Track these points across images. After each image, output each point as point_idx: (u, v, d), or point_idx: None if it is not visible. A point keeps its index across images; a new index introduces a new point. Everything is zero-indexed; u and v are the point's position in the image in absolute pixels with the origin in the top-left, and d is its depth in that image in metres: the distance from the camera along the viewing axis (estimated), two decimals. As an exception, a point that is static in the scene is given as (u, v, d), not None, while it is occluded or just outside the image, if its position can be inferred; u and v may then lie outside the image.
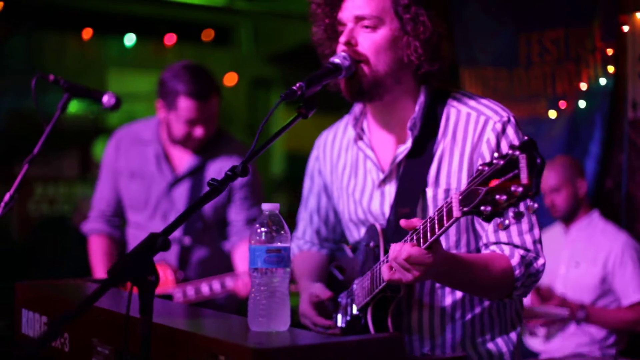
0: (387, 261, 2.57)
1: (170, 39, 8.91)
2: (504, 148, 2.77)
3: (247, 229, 4.63)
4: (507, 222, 2.13)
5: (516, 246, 2.77)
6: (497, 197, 2.10)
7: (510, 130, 2.80)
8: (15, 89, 8.22)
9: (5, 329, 5.67)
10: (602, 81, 5.71)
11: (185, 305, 2.94)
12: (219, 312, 2.69)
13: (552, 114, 5.98)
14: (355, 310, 2.93)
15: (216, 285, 4.36)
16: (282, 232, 2.29)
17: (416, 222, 2.51)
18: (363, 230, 3.06)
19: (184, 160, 4.66)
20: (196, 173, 4.62)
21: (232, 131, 5.21)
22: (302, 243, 3.44)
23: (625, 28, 5.57)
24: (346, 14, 2.87)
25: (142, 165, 4.67)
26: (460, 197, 2.27)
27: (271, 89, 10.25)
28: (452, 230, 2.86)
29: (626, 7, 5.57)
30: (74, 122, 8.43)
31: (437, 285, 2.90)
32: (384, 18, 2.83)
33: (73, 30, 8.77)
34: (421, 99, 2.91)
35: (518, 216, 2.10)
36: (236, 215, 4.64)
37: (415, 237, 2.49)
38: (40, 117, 3.45)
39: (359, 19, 2.83)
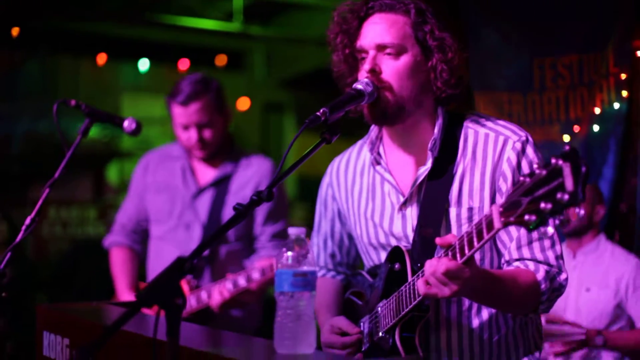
0: (422, 276, 2.59)
1: (184, 64, 8.98)
2: (525, 167, 2.81)
3: (272, 243, 4.70)
4: (551, 230, 2.13)
5: (539, 262, 2.80)
6: (542, 205, 2.10)
7: (529, 150, 2.84)
8: (30, 112, 8.30)
9: (18, 349, 5.69)
10: (616, 105, 5.72)
11: (209, 329, 2.95)
12: (243, 335, 2.70)
13: (566, 138, 5.99)
14: (381, 333, 2.93)
15: (229, 285, 4.39)
16: (309, 256, 2.31)
17: (451, 238, 2.55)
18: (383, 254, 3.05)
19: (208, 173, 4.78)
20: (220, 184, 4.72)
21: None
22: (317, 270, 3.43)
23: (639, 53, 5.59)
24: (367, 41, 2.89)
25: (169, 179, 4.82)
26: (501, 209, 2.29)
27: (283, 114, 10.30)
28: None
29: (640, 33, 5.61)
30: (88, 146, 8.50)
31: (464, 305, 2.92)
32: (406, 45, 2.86)
33: (88, 55, 8.86)
34: (439, 120, 2.93)
35: (564, 224, 2.09)
36: (260, 230, 4.71)
37: (450, 253, 2.53)
38: (62, 142, 3.48)
39: (380, 47, 2.86)
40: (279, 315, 2.29)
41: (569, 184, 2.05)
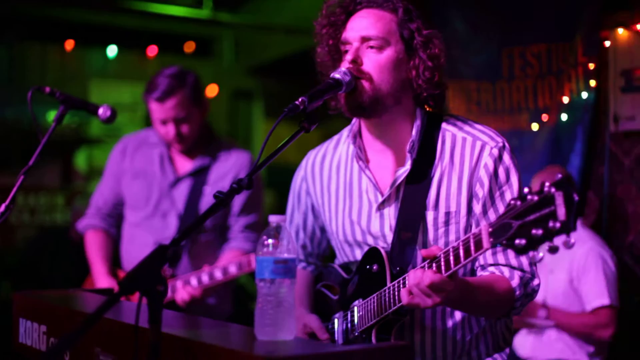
0: (403, 286, 2.66)
1: (152, 50, 8.96)
2: (501, 174, 2.86)
3: (243, 234, 4.72)
4: (540, 254, 2.18)
5: (514, 268, 2.85)
6: (533, 231, 2.16)
7: (506, 156, 2.89)
8: (-3, 99, 8.24)
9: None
10: (584, 95, 5.80)
11: (187, 315, 2.97)
12: (222, 322, 2.72)
13: (535, 126, 6.06)
14: (357, 332, 2.96)
15: (205, 277, 4.45)
16: (289, 243, 2.33)
17: (436, 250, 2.58)
18: (358, 251, 3.10)
19: (186, 163, 4.78)
20: (198, 174, 4.73)
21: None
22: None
23: (607, 43, 5.66)
24: (352, 34, 2.92)
25: (146, 165, 4.81)
26: (491, 230, 2.34)
27: (251, 101, 10.30)
28: None
29: (608, 23, 5.67)
30: (56, 133, 8.40)
31: (438, 308, 2.96)
32: (390, 40, 2.89)
33: (55, 42, 8.80)
34: (418, 121, 2.95)
35: (553, 250, 2.14)
36: (235, 220, 4.73)
37: (435, 265, 2.57)
38: (36, 129, 3.48)
39: (365, 39, 2.89)
40: (259, 301, 2.31)
41: (561, 213, 2.10)
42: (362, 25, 2.91)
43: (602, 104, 5.76)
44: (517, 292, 2.80)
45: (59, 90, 3.64)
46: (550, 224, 2.12)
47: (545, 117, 6.02)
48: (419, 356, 2.97)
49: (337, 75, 2.82)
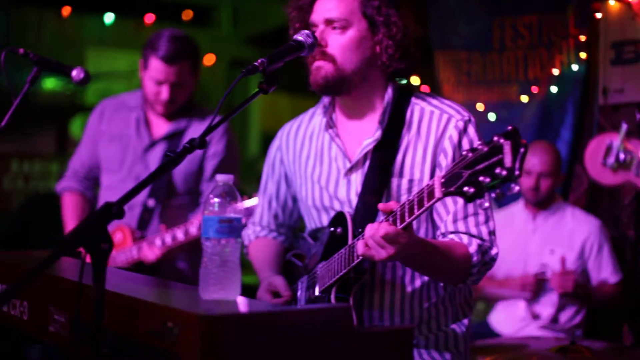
0: (362, 238, 2.70)
1: (149, 18, 8.91)
2: (465, 145, 2.95)
3: None
4: (486, 204, 2.31)
5: (473, 236, 2.93)
6: (481, 178, 2.23)
7: (471, 129, 2.99)
8: (-8, 66, 8.21)
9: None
10: (574, 67, 5.77)
11: (143, 275, 2.97)
12: (174, 282, 2.71)
13: (524, 98, 6.04)
14: (317, 292, 3.02)
15: (168, 238, 4.47)
16: (235, 203, 2.33)
17: (393, 205, 2.65)
18: (325, 217, 3.19)
19: (162, 126, 4.77)
20: (173, 138, 4.73)
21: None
22: (260, 229, 3.55)
23: (598, 15, 5.63)
24: (316, 16, 3.04)
25: (123, 128, 4.81)
26: (443, 180, 2.41)
27: (250, 70, 10.25)
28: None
29: (599, -6, 5.63)
30: (51, 99, 8.45)
31: (398, 272, 3.05)
32: (352, 19, 2.99)
33: (52, 8, 8.76)
34: (388, 94, 3.07)
35: (499, 197, 2.21)
36: (206, 185, 4.73)
37: (391, 219, 2.63)
38: (10, 92, 3.47)
39: (328, 21, 3.00)
40: (204, 261, 2.31)
41: (507, 160, 2.17)
42: (325, 8, 3.02)
43: (592, 77, 5.73)
44: (474, 258, 2.87)
45: (32, 52, 3.62)
46: (497, 170, 2.18)
47: (535, 89, 5.99)
48: (376, 309, 3.05)
49: (299, 38, 2.87)
